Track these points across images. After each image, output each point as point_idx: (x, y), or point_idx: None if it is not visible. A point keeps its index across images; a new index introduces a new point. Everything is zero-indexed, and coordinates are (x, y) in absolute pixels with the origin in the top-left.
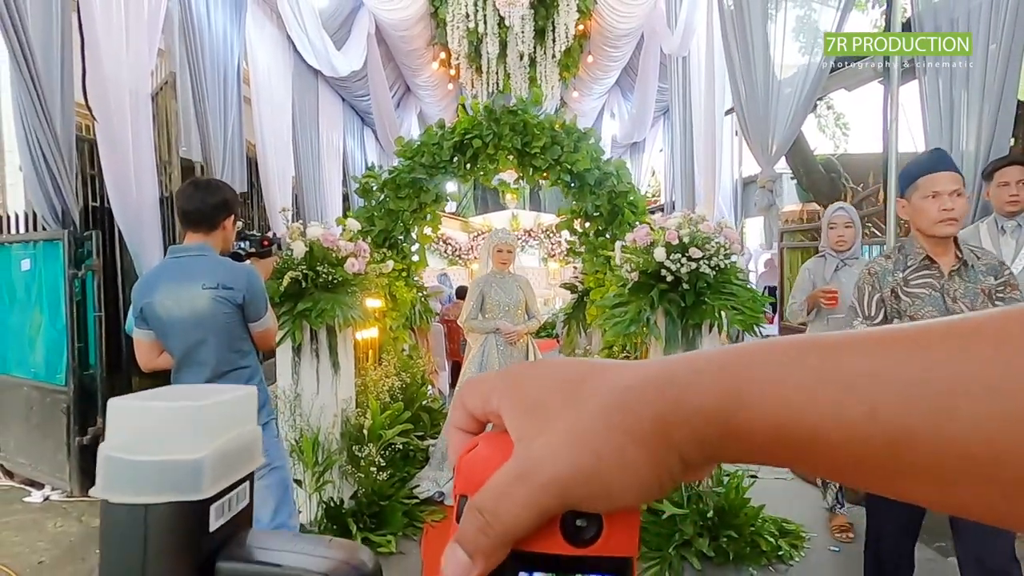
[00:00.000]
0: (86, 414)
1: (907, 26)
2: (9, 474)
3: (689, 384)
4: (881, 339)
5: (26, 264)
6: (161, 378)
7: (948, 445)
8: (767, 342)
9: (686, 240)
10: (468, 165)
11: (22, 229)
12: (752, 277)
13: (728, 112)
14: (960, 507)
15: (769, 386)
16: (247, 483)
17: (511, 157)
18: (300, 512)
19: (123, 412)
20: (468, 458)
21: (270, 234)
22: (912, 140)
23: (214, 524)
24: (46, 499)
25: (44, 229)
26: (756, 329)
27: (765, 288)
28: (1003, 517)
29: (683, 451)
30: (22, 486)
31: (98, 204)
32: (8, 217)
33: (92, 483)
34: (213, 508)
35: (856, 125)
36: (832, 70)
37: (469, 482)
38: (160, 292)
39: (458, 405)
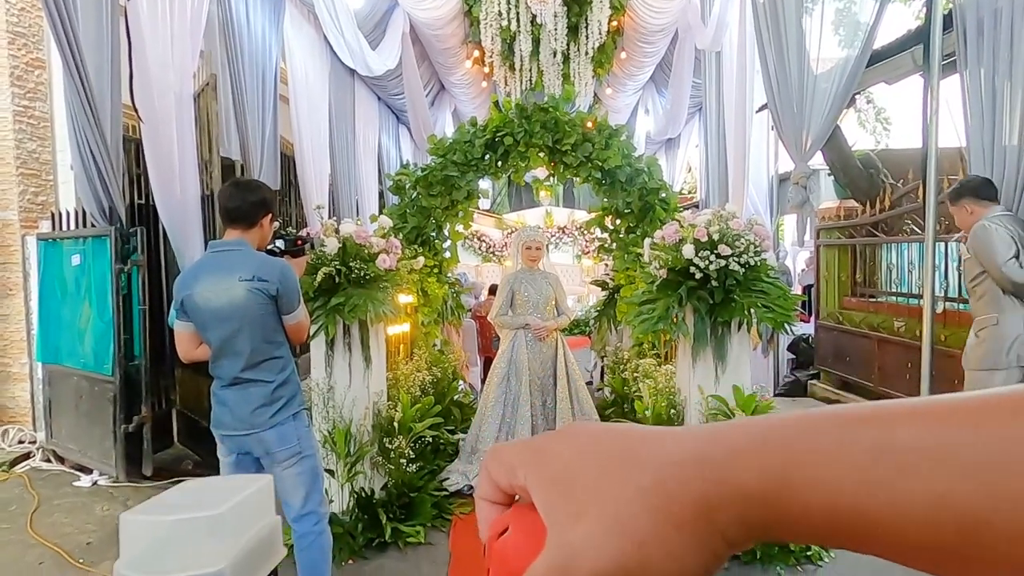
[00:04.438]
0: (131, 403)
1: (949, 18)
2: (60, 459)
3: (729, 463)
4: (936, 411)
5: (76, 259)
6: (201, 369)
7: None
8: (810, 414)
9: (715, 237)
10: (499, 162)
11: (72, 225)
12: (789, 277)
13: (760, 109)
14: None
15: (817, 466)
16: None
17: (542, 154)
18: (332, 502)
19: (136, 527)
20: (499, 546)
21: (303, 233)
22: (956, 135)
23: None
24: (94, 484)
25: (93, 226)
26: (787, 327)
27: (805, 288)
28: None
29: (727, 533)
30: (72, 471)
31: (143, 202)
32: (60, 214)
33: (137, 470)
34: None
35: (898, 120)
36: (871, 63)
37: (503, 573)
38: (200, 285)
39: (484, 475)
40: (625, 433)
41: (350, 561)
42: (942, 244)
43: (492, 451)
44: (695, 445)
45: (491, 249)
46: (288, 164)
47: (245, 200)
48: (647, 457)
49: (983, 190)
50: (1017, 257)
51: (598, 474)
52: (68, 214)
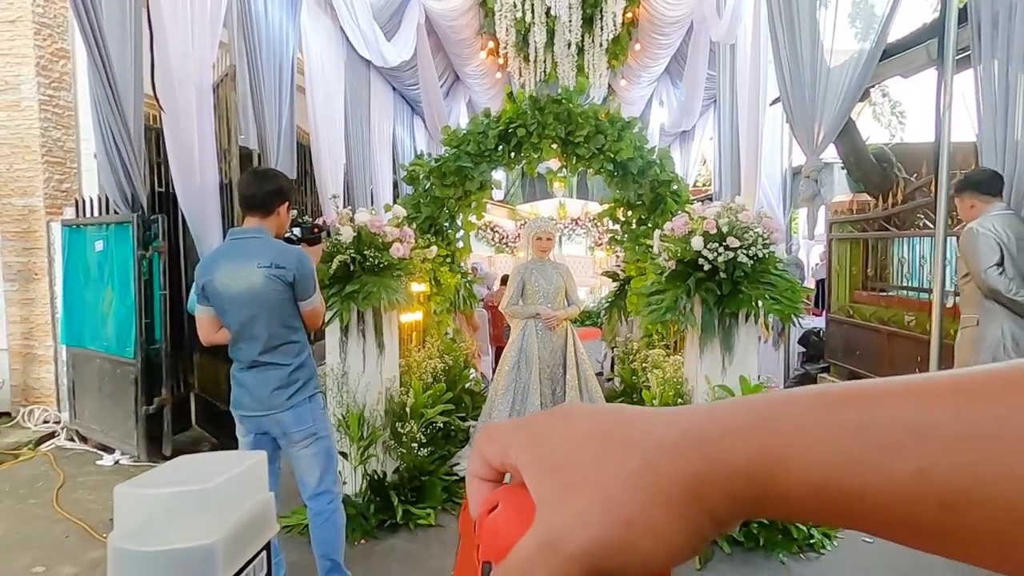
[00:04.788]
0: (152, 386)
1: (964, 11)
2: (84, 439)
3: (722, 443)
4: (924, 388)
5: (99, 245)
6: (219, 354)
7: (1008, 508)
8: (799, 393)
9: (724, 229)
10: (512, 154)
11: (96, 212)
12: (803, 271)
13: (774, 102)
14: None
15: (807, 446)
16: (264, 553)
17: (555, 146)
18: (345, 483)
19: (129, 499)
20: (489, 521)
21: (319, 222)
22: (972, 129)
23: None
24: (116, 463)
25: (115, 213)
26: (796, 320)
27: (819, 282)
28: None
29: (716, 511)
30: (95, 450)
31: (164, 190)
32: (84, 201)
33: (157, 450)
34: None
35: (913, 113)
36: (885, 56)
37: (492, 549)
38: (219, 271)
39: (476, 453)
40: (618, 415)
41: (362, 541)
42: (953, 238)
43: (484, 430)
44: (691, 425)
45: (504, 240)
46: (304, 153)
47: (262, 189)
48: (638, 438)
49: (987, 185)
50: (1001, 263)
51: (589, 456)
52: (91, 201)
